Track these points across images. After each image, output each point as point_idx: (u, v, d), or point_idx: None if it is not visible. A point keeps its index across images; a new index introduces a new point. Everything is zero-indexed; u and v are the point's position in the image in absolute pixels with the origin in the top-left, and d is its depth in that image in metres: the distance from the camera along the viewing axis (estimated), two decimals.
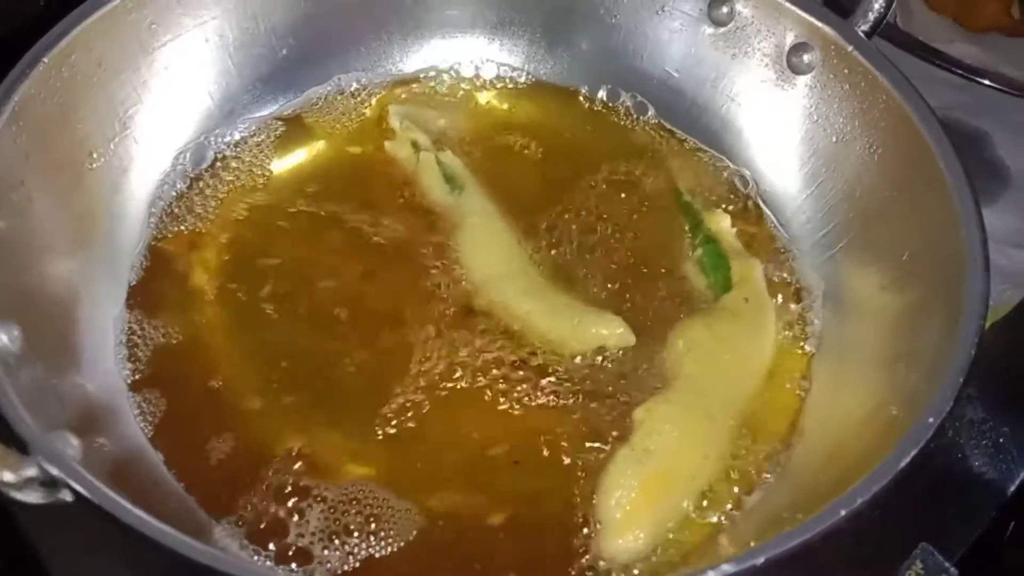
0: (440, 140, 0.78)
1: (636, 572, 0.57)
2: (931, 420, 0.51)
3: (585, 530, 0.58)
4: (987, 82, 0.95)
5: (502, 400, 0.63)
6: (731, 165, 0.78)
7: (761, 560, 0.46)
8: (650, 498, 0.59)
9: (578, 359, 0.66)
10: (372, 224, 0.72)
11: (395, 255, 0.71)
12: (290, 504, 0.58)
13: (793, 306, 0.70)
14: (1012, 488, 0.69)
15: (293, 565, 0.56)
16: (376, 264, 0.70)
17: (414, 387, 0.64)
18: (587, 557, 0.57)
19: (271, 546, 0.56)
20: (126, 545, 0.47)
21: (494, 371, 0.65)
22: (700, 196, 0.76)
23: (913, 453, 0.50)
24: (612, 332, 0.66)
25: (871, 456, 0.52)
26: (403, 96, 0.80)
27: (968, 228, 0.60)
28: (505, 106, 0.81)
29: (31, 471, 0.46)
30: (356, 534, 0.57)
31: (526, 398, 0.64)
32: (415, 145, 0.76)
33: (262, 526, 0.57)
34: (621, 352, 0.66)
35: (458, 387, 0.64)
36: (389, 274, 0.70)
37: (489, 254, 0.71)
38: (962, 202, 0.61)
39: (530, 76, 0.82)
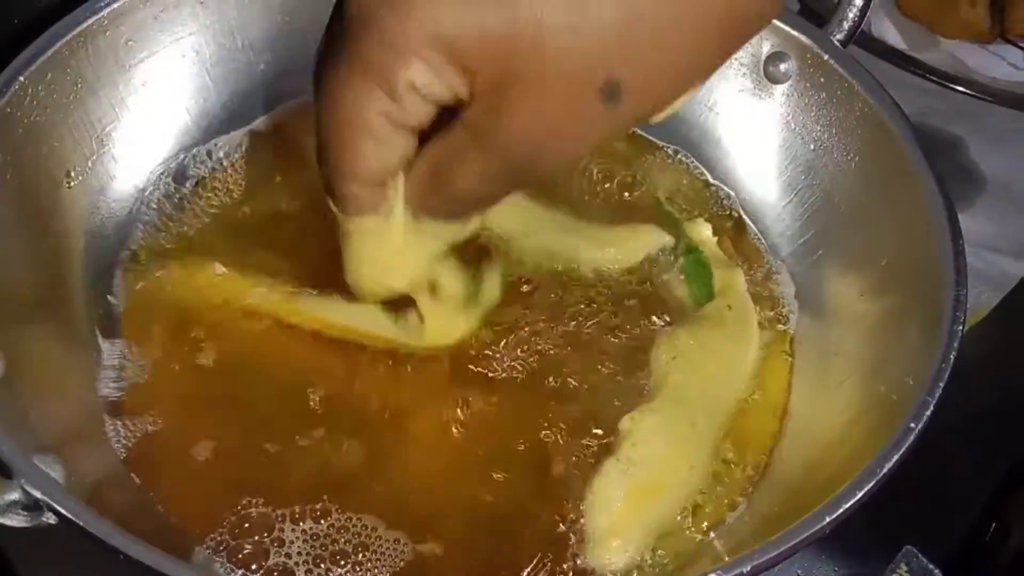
0: None
1: None
2: (912, 425, 0.52)
3: (572, 542, 0.58)
4: (961, 88, 0.96)
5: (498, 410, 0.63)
6: (710, 174, 0.78)
7: (748, 568, 0.46)
8: (636, 508, 0.59)
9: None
10: None
11: None
12: (274, 529, 0.57)
13: (773, 314, 0.71)
14: (993, 489, 0.70)
15: None
16: None
17: (411, 404, 0.63)
18: (574, 569, 0.57)
19: (254, 566, 0.56)
20: (108, 565, 0.47)
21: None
22: (680, 205, 0.76)
23: (895, 459, 0.50)
24: (653, 239, 0.72)
25: (855, 462, 0.52)
26: None
27: (943, 235, 0.60)
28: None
29: (14, 495, 0.45)
30: (342, 562, 0.56)
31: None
32: None
33: (245, 551, 0.56)
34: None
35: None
36: None
37: (515, 215, 0.71)
38: (937, 208, 0.62)
39: None
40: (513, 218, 0.71)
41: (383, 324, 0.64)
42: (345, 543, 0.57)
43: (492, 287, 0.68)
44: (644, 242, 0.72)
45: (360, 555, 0.56)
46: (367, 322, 0.65)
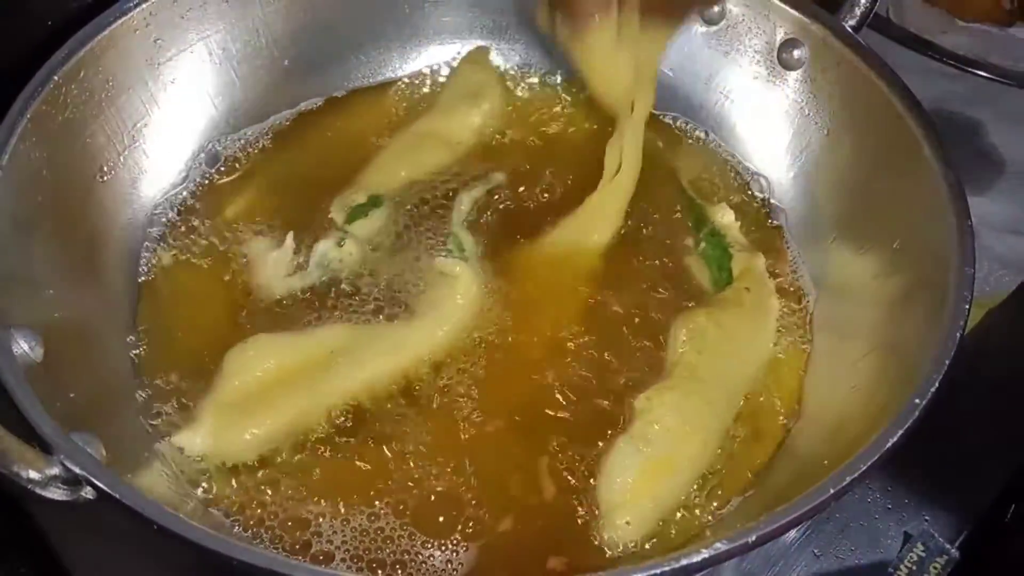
0: None
1: (637, 554, 0.58)
2: (917, 401, 0.52)
3: (584, 518, 0.60)
4: (980, 72, 0.95)
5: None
6: (727, 160, 0.79)
7: (753, 538, 0.47)
8: (648, 486, 0.59)
9: None
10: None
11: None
12: (317, 523, 0.59)
13: (790, 296, 0.71)
14: (1012, 471, 0.70)
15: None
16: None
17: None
18: (589, 544, 0.59)
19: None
20: (148, 543, 0.49)
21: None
22: (700, 191, 0.77)
23: (899, 434, 0.51)
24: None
25: (865, 440, 0.53)
26: None
27: (951, 216, 0.61)
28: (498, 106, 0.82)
29: (54, 470, 0.48)
30: (379, 571, 0.57)
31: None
32: None
33: (286, 541, 0.58)
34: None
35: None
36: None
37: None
38: (945, 190, 0.62)
39: (526, 78, 0.84)
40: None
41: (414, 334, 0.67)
42: (389, 552, 0.58)
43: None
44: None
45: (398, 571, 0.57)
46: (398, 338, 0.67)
